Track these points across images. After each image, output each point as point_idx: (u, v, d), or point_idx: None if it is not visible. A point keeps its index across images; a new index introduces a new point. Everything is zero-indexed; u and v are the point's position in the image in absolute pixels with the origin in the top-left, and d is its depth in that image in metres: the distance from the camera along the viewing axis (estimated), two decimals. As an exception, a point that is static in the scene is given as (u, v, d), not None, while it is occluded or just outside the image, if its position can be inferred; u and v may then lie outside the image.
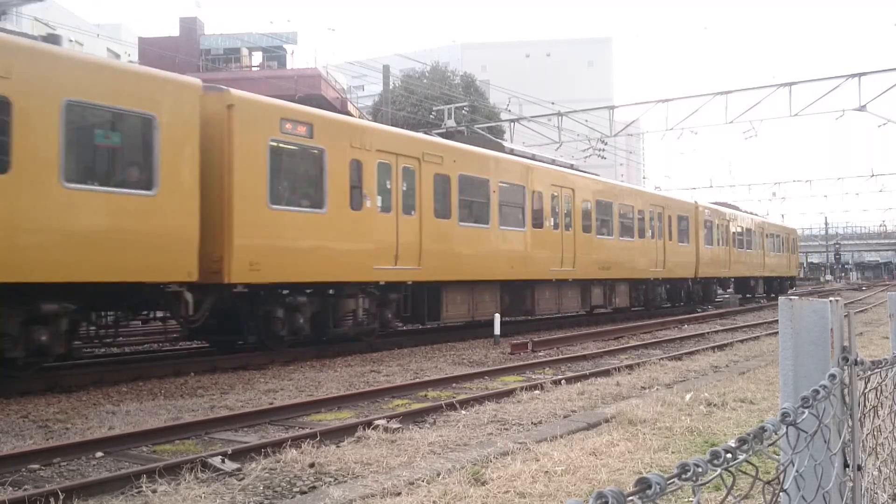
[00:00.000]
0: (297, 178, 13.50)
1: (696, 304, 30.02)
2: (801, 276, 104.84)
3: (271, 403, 8.98)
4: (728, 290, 38.95)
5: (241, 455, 6.24)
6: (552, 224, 19.83)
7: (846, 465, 2.25)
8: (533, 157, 20.52)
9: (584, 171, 23.08)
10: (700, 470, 1.18)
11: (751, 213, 39.58)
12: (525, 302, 19.30)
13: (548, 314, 21.07)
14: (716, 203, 35.20)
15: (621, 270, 23.29)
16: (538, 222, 19.19)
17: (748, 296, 38.16)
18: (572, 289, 21.25)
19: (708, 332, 18.83)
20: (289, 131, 12.61)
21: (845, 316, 2.25)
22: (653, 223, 25.46)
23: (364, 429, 7.15)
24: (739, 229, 34.54)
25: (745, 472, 1.37)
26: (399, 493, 5.04)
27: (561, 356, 13.82)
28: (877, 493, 2.87)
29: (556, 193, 20.06)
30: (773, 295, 40.10)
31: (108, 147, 10.57)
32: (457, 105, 32.29)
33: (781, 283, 43.35)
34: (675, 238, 27.02)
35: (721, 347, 15.12)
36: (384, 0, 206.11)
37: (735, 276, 34.51)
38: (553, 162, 21.80)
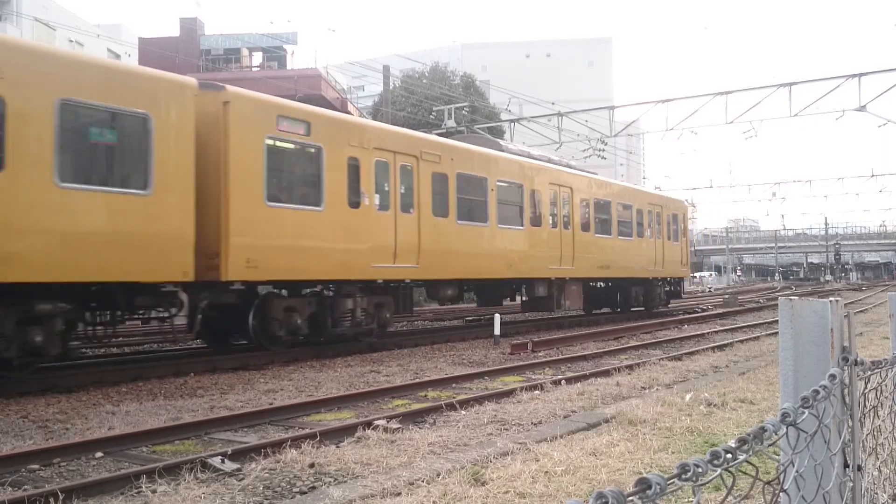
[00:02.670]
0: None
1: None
2: (802, 275, 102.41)
3: (271, 404, 8.98)
4: (511, 302, 21.63)
5: (240, 455, 6.24)
6: None
7: (846, 466, 2.25)
8: None
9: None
10: (700, 470, 1.18)
11: (562, 166, 21.47)
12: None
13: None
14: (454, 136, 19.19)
15: None
16: None
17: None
18: None
19: (708, 333, 18.82)
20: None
21: (845, 316, 2.25)
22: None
23: (364, 429, 7.15)
24: (483, 181, 17.33)
25: (745, 473, 1.37)
26: (399, 494, 5.03)
27: (561, 356, 13.82)
28: (877, 494, 2.86)
29: None
30: (618, 310, 25.07)
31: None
32: (457, 105, 32.26)
33: (648, 289, 25.77)
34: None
35: (721, 347, 15.11)
36: (384, 0, 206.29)
37: (456, 277, 16.86)
38: None
